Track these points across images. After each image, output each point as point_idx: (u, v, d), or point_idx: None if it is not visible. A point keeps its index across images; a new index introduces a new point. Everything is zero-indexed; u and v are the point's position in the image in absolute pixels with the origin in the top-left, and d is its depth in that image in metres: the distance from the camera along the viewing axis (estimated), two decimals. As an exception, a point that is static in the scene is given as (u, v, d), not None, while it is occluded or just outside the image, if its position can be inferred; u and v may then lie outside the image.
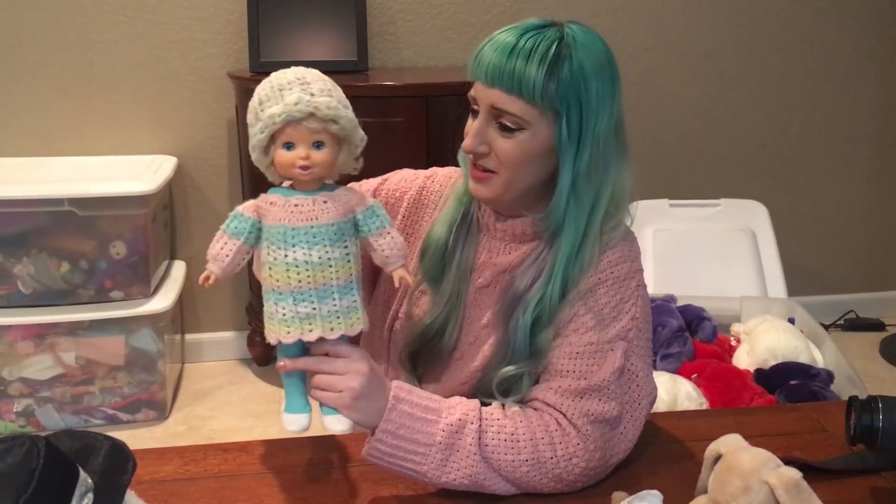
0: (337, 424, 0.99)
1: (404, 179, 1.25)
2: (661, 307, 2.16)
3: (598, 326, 1.06)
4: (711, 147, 2.99)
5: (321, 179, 0.99)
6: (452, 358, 1.17)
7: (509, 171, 1.05)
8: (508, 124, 1.03)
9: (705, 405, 1.85)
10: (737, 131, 2.99)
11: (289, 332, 0.96)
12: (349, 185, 1.05)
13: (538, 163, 1.06)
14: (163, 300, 2.41)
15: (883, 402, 1.06)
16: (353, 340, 1.02)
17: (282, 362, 0.99)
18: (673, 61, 2.88)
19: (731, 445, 0.94)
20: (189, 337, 2.83)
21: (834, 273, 3.21)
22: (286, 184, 1.00)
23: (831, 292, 3.20)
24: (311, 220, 0.95)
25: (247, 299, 2.80)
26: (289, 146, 0.95)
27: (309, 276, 0.95)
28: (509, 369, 1.08)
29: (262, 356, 2.79)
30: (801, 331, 2.15)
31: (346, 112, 0.97)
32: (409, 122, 2.32)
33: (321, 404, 1.00)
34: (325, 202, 0.96)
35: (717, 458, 0.94)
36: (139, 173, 2.41)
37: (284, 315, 0.96)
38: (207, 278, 1.00)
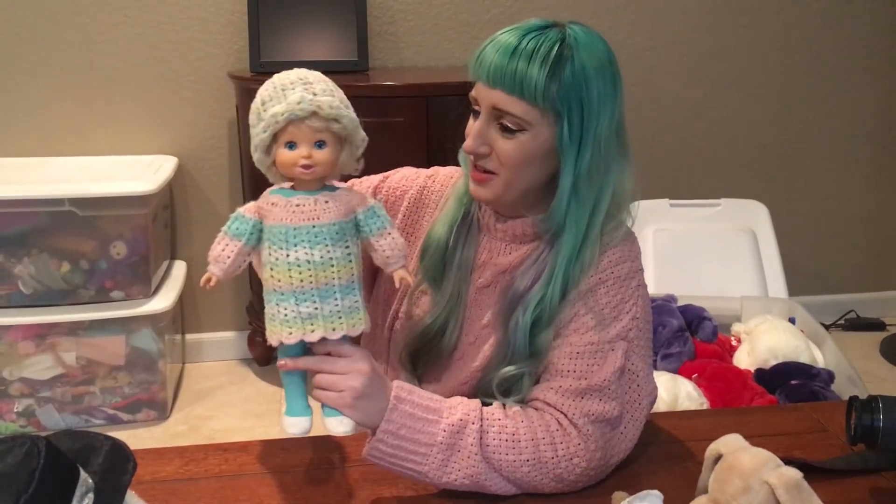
0: (339, 426, 0.99)
1: (405, 178, 1.25)
2: (662, 307, 2.16)
3: (599, 326, 1.06)
4: (711, 147, 2.99)
5: (322, 180, 0.99)
6: (453, 358, 1.17)
7: (510, 172, 1.05)
8: (509, 125, 1.03)
9: (706, 405, 1.85)
10: (737, 131, 2.99)
11: (291, 333, 0.96)
12: (350, 181, 1.05)
13: (539, 164, 1.06)
14: (163, 300, 2.41)
15: (883, 402, 1.06)
16: (354, 341, 1.01)
17: (282, 361, 0.99)
18: (673, 61, 2.88)
19: (731, 445, 0.94)
20: (189, 337, 2.83)
21: (834, 273, 3.21)
22: (287, 184, 1.00)
23: (832, 292, 3.20)
24: (313, 219, 0.95)
25: (247, 299, 2.80)
26: (291, 145, 0.95)
27: (311, 276, 0.95)
28: (509, 369, 1.08)
29: (262, 356, 2.79)
30: (802, 331, 2.15)
31: (348, 112, 0.97)
32: (409, 122, 2.32)
33: (323, 406, 0.99)
34: (326, 202, 0.96)
35: (718, 458, 0.94)
36: (139, 173, 2.41)
37: (286, 315, 0.96)
38: (209, 280, 1.00)
